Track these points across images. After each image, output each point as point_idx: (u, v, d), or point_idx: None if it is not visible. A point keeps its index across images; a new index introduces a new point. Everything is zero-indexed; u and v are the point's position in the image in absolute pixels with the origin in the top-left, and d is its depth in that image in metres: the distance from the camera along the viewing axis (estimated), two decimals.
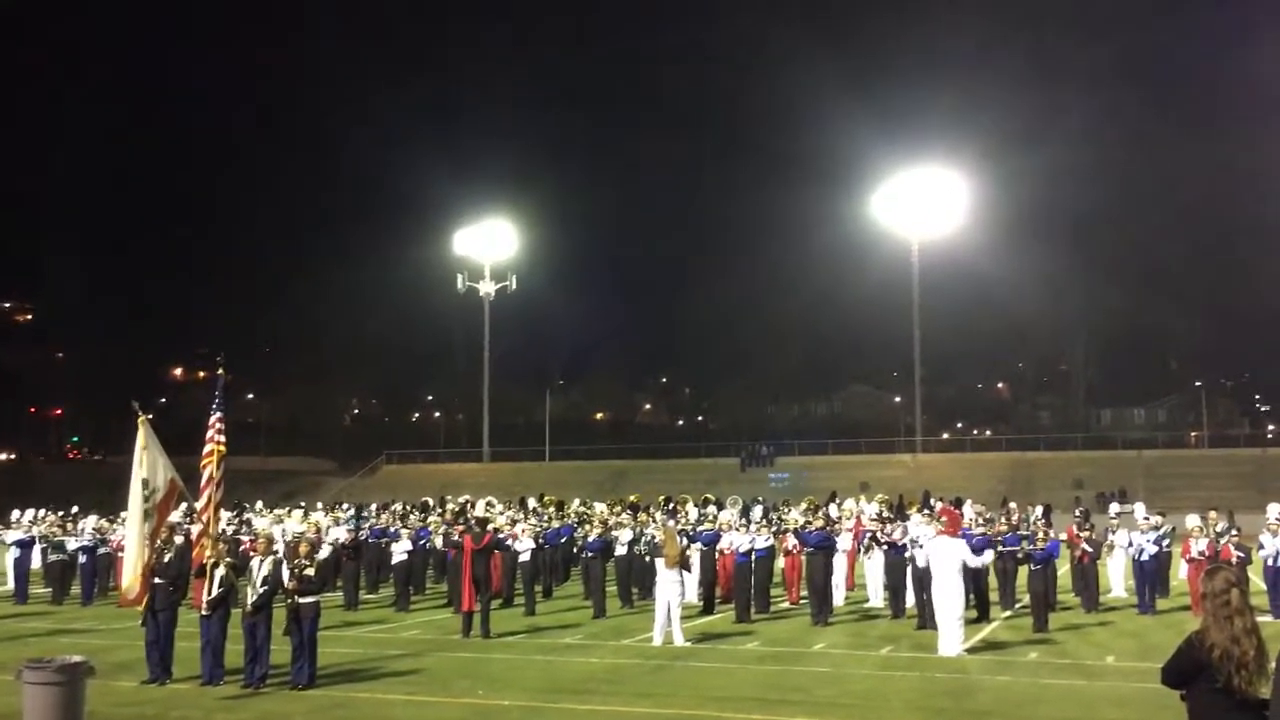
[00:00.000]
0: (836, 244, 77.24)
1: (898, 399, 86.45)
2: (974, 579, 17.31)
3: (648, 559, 20.54)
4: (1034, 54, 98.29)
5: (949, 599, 14.96)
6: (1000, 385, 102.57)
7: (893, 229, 60.42)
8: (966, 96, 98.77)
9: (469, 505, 26.85)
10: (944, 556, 15.07)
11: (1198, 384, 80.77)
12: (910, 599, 18.60)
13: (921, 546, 16.67)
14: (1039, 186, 76.15)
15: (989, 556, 16.75)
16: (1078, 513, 23.10)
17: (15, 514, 26.84)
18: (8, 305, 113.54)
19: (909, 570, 18.33)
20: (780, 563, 21.75)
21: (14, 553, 24.08)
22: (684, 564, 16.88)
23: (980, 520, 21.34)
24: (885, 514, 22.49)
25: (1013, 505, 26.03)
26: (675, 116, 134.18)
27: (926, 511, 19.19)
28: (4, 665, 13.65)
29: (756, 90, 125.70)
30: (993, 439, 75.26)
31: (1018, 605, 19.85)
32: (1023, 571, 19.36)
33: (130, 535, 13.60)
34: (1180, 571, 21.58)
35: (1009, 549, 19.96)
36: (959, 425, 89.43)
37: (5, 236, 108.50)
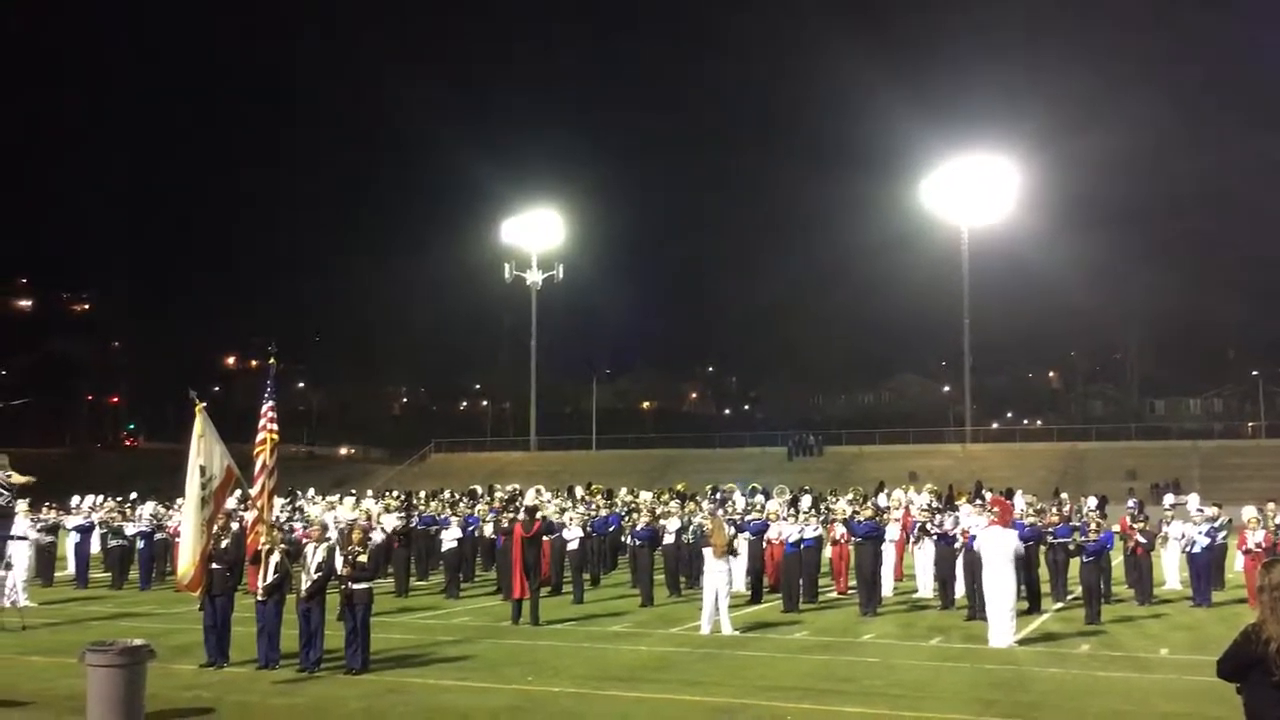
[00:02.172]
0: (885, 232, 76.87)
1: (947, 388, 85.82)
2: (1025, 570, 17.17)
3: (691, 543, 20.58)
4: (1087, 39, 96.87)
5: (1000, 590, 14.84)
6: (1051, 374, 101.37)
7: (942, 217, 59.85)
8: (1018, 82, 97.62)
9: (518, 493, 27.06)
10: (995, 547, 14.95)
11: (1254, 373, 79.30)
12: (960, 590, 18.49)
13: (974, 537, 16.55)
14: (1092, 173, 75.35)
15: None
16: (1131, 504, 22.81)
17: (75, 500, 27.42)
18: (65, 296, 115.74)
19: (959, 561, 18.22)
20: (828, 552, 21.71)
21: (74, 538, 24.60)
22: (731, 552, 16.89)
23: (1031, 511, 21.16)
24: (935, 504, 22.36)
25: (1064, 496, 25.75)
26: (723, 105, 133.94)
27: (978, 502, 19.05)
28: (67, 648, 13.99)
29: (805, 78, 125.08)
30: (1044, 429, 74.38)
31: (1070, 597, 19.66)
32: (1075, 563, 19.17)
33: (187, 521, 13.84)
34: (1236, 564, 21.25)
35: (1060, 540, 19.78)
36: (1009, 415, 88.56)
37: (63, 230, 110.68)
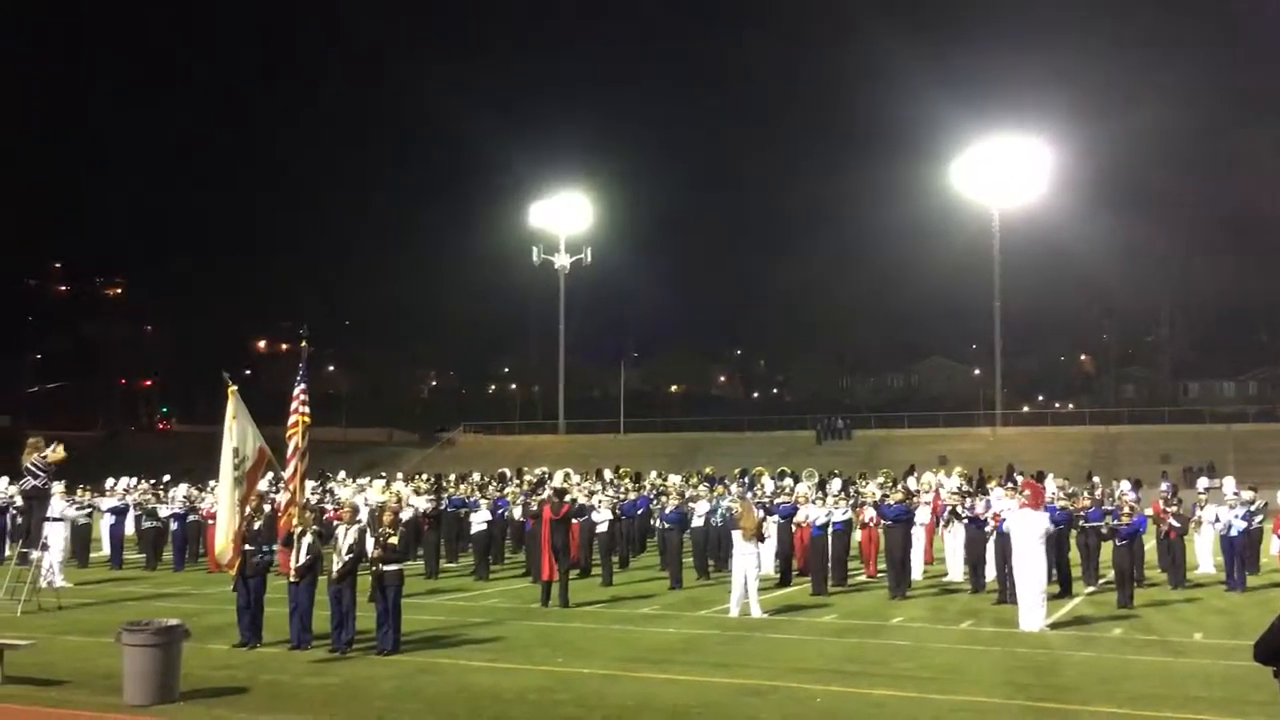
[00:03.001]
0: (915, 214, 76.24)
1: (977, 371, 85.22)
2: (1056, 553, 17.06)
3: (720, 526, 20.58)
4: (1123, 17, 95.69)
5: (1031, 573, 14.76)
6: (1084, 358, 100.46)
7: (973, 198, 59.31)
8: (1051, 62, 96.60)
9: (547, 476, 27.14)
10: (1026, 530, 14.86)
11: None
12: (990, 573, 18.41)
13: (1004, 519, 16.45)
14: (1126, 154, 74.46)
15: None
16: (1164, 487, 22.61)
17: (110, 482, 27.74)
18: (98, 281, 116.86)
19: (990, 544, 18.13)
20: (857, 536, 21.65)
21: (109, 520, 24.89)
22: (760, 536, 16.88)
23: (1063, 494, 21.02)
24: (965, 488, 22.25)
25: (1096, 480, 25.56)
26: (753, 86, 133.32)
27: (1009, 485, 18.93)
28: (103, 628, 14.16)
29: (836, 59, 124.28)
30: (1075, 412, 73.76)
31: (1101, 581, 19.54)
32: (1106, 547, 19.03)
33: (221, 502, 13.98)
34: (1272, 548, 21.02)
35: (1092, 524, 19.65)
36: (1040, 398, 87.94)
37: (97, 214, 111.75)
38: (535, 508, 19.36)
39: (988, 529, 18.07)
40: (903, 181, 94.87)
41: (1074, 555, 19.74)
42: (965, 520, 19.18)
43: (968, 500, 19.93)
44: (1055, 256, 71.71)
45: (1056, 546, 17.03)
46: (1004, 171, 56.70)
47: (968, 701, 10.65)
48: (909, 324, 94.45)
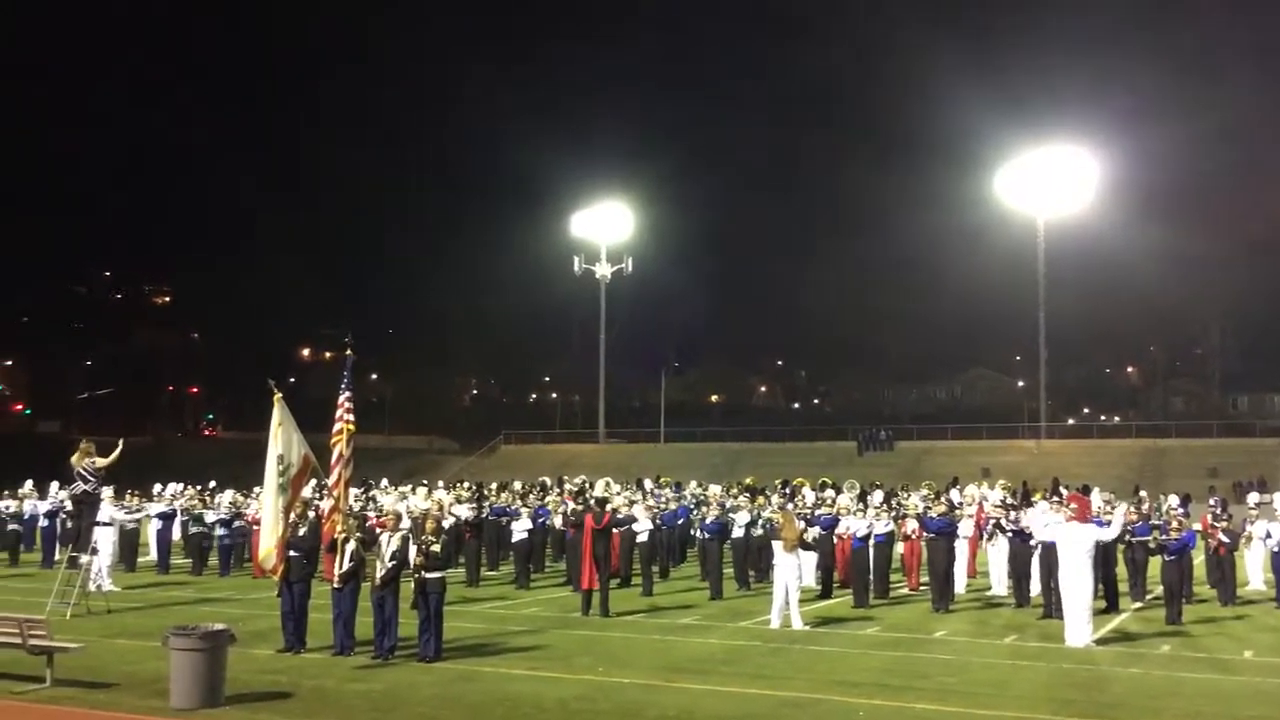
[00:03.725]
0: (958, 224, 75.68)
1: (1021, 383, 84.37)
2: (1103, 568, 16.83)
3: (760, 537, 20.50)
4: (1168, 24, 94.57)
5: (1078, 588, 14.58)
6: (1130, 370, 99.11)
7: (1017, 208, 58.77)
8: (1097, 70, 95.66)
9: (587, 485, 27.16)
10: (1073, 544, 14.68)
11: None
12: (1035, 587, 18.19)
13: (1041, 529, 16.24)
14: (1174, 161, 73.43)
15: (1118, 528, 16.19)
16: (1213, 502, 22.24)
17: (157, 488, 28.09)
18: (147, 289, 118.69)
19: (1034, 558, 17.93)
20: (899, 548, 21.49)
21: (156, 525, 25.21)
22: (805, 545, 16.80)
23: (1109, 508, 20.72)
24: (1009, 501, 22.01)
25: (1144, 494, 25.19)
26: (793, 97, 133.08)
27: (1055, 499, 18.71)
28: (150, 631, 14.36)
29: (879, 68, 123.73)
30: (1122, 425, 72.75)
31: (1149, 597, 19.26)
32: (1154, 562, 18.76)
33: (266, 508, 14.12)
34: None
35: (1140, 539, 19.37)
36: (1086, 411, 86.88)
37: (143, 223, 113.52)
38: (576, 517, 19.38)
39: (1032, 543, 17.87)
40: (946, 190, 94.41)
41: (1120, 571, 19.46)
42: (1009, 533, 18.97)
43: (1012, 513, 19.72)
44: (1101, 266, 70.86)
45: (1104, 561, 16.79)
46: (1049, 180, 56.15)
47: (1013, 717, 10.53)
48: (952, 335, 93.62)
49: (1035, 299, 58.76)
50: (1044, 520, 16.25)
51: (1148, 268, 71.46)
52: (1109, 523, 17.85)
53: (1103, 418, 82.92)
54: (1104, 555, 16.99)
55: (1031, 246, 58.95)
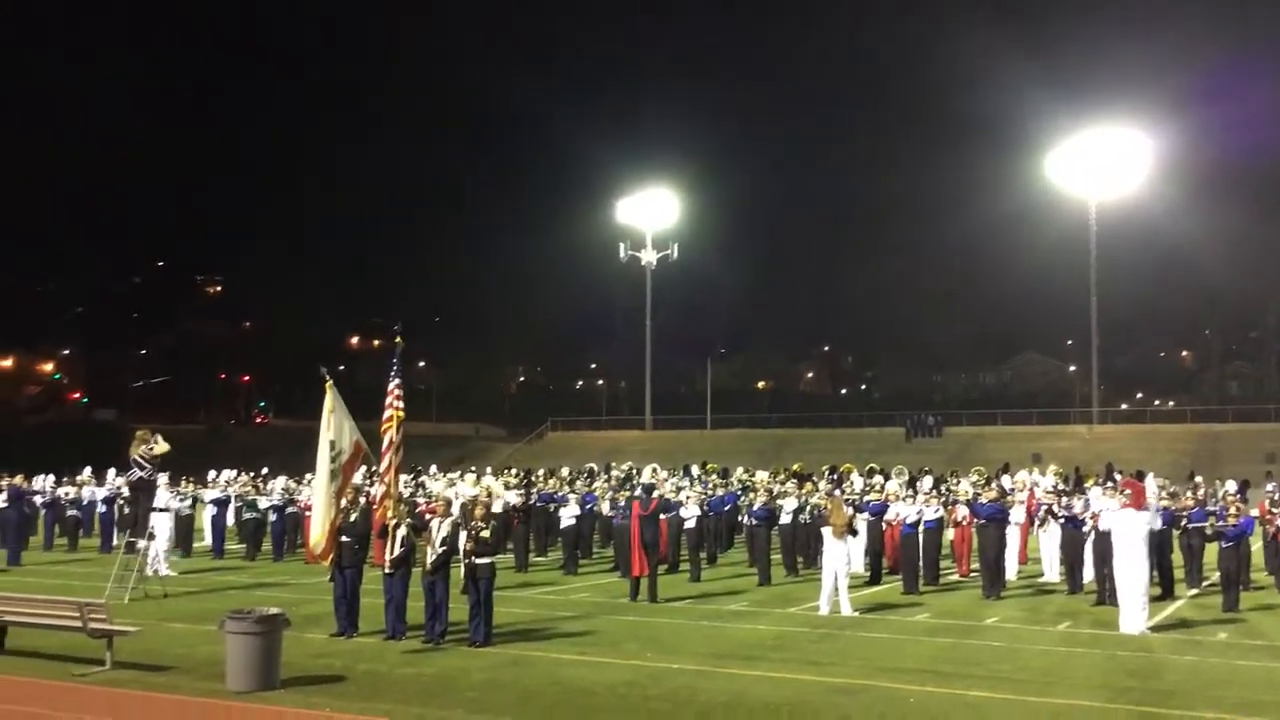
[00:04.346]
0: (1009, 207, 74.66)
1: (1073, 368, 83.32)
2: (1158, 554, 16.59)
3: (808, 523, 20.43)
4: (1222, 1, 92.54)
5: (1133, 575, 14.38)
6: (1184, 354, 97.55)
7: (1069, 190, 57.94)
8: (1150, 49, 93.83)
9: (634, 471, 27.22)
10: (1128, 530, 14.48)
11: None
12: (1089, 574, 17.98)
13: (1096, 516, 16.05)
14: (1228, 142, 71.90)
15: (1156, 519, 15.97)
16: (1270, 487, 21.85)
17: (211, 475, 28.53)
18: (199, 278, 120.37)
19: (1088, 544, 17.71)
20: (949, 534, 21.32)
21: (211, 511, 25.60)
22: (852, 531, 16.72)
23: (1164, 494, 20.43)
24: (1061, 486, 21.76)
25: (1199, 479, 24.78)
26: (839, 81, 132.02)
27: (1109, 485, 18.46)
28: (206, 616, 14.61)
29: (927, 50, 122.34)
30: (1176, 410, 71.66)
31: (1205, 584, 18.96)
32: (1210, 549, 18.45)
33: (318, 494, 14.27)
34: None
35: (1195, 525, 19.06)
36: (1139, 395, 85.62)
37: (197, 214, 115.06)
38: (624, 503, 19.42)
39: (1085, 529, 17.66)
40: (996, 173, 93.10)
41: (1176, 557, 19.18)
42: (1062, 520, 18.75)
43: (1064, 499, 19.49)
44: (1155, 249, 69.74)
45: (1159, 548, 16.55)
46: (1101, 162, 55.31)
47: (1067, 705, 10.41)
48: (1001, 319, 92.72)
49: (1087, 282, 57.98)
50: (1098, 506, 16.05)
51: (1202, 249, 70.29)
52: (1166, 510, 17.66)
53: (1156, 402, 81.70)
54: (1160, 542, 16.75)
55: (1083, 229, 58.16)
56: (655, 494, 18.31)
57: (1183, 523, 19.22)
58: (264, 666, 10.74)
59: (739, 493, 25.63)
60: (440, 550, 13.37)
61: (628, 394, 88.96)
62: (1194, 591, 18.58)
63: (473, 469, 32.99)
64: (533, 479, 27.78)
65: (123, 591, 16.93)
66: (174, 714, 9.96)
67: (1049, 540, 20.16)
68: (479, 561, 13.31)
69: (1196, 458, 47.62)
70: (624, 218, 68.53)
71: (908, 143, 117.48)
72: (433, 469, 32.08)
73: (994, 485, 21.59)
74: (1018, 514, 20.55)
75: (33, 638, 12.73)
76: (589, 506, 23.65)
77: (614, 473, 28.65)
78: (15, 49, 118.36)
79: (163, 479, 21.34)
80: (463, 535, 13.60)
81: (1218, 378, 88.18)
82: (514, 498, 23.05)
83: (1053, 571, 20.02)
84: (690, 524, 21.19)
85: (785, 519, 21.39)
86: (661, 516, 18.75)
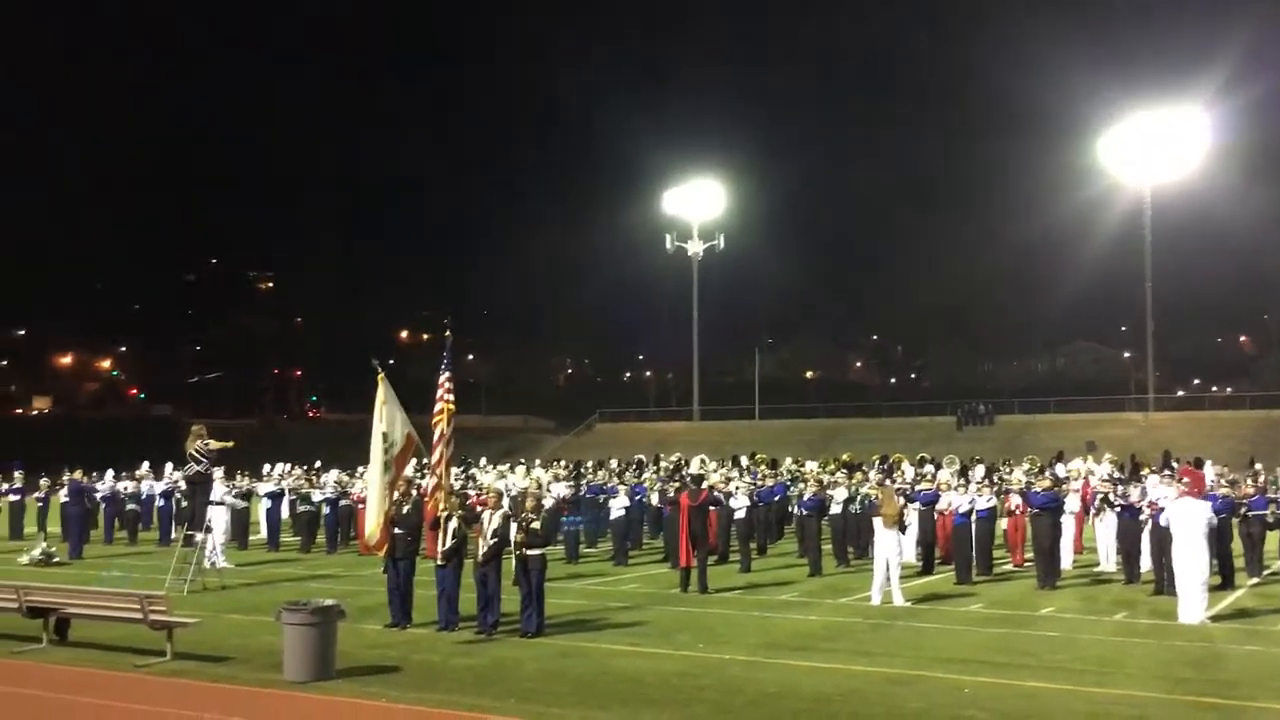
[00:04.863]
0: (1060, 192, 73.62)
1: (1127, 354, 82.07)
2: (1218, 543, 16.30)
3: (859, 513, 20.31)
4: None
5: (1192, 564, 14.15)
6: (1243, 339, 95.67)
7: (1123, 174, 56.98)
8: (1207, 25, 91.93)
9: (683, 462, 27.21)
10: (1187, 519, 14.25)
11: None
12: (1146, 563, 17.72)
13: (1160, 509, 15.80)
14: None
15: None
16: None
17: (266, 468, 28.92)
18: (252, 275, 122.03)
19: (1145, 534, 17.45)
20: (1002, 524, 21.10)
21: (266, 504, 25.96)
22: (901, 523, 16.60)
23: (1223, 482, 20.06)
24: (1117, 475, 21.45)
25: (1259, 467, 24.31)
26: (885, 70, 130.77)
27: (1167, 472, 18.16)
28: (263, 607, 14.81)
29: (975, 35, 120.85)
30: (1234, 396, 70.29)
31: (1266, 572, 18.63)
32: (1271, 537, 18.12)
33: (371, 486, 14.41)
34: None
35: (1256, 513, 18.72)
36: (1196, 382, 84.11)
37: (248, 212, 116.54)
38: (673, 494, 19.42)
39: (1142, 518, 17.40)
40: (1047, 158, 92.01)
41: (1235, 546, 18.84)
42: (1118, 509, 18.49)
43: (1120, 488, 19.21)
44: (1211, 231, 68.54)
45: (1219, 537, 16.26)
46: (1156, 145, 54.32)
47: (1125, 695, 10.26)
48: (1053, 306, 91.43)
49: (1141, 267, 57.04)
50: (1156, 495, 15.81)
51: (1260, 232, 68.90)
52: (1220, 498, 17.32)
53: (1214, 389, 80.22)
54: (1219, 531, 16.46)
55: (1137, 213, 57.22)
56: (704, 485, 18.29)
57: (1242, 511, 18.89)
58: (320, 657, 10.88)
59: (788, 483, 25.55)
60: (492, 542, 13.45)
61: (675, 385, 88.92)
62: (1254, 580, 18.26)
63: (522, 461, 33.16)
64: (582, 470, 27.87)
65: (182, 584, 17.22)
66: (234, 704, 10.12)
67: (1105, 529, 19.88)
68: (530, 553, 13.38)
69: (1256, 445, 46.64)
70: (670, 209, 68.44)
71: (957, 130, 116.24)
72: (483, 461, 32.28)
73: (1048, 474, 21.32)
74: (1072, 503, 20.30)
75: (95, 629, 12.98)
76: (638, 498, 23.70)
77: (663, 464, 28.66)
78: (70, 46, 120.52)
79: (218, 473, 21.68)
80: (514, 527, 13.68)
81: (1277, 362, 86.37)
82: (563, 489, 23.13)
83: (1109, 561, 19.75)
84: (740, 515, 21.17)
85: (836, 509, 21.29)
86: (711, 507, 18.73)
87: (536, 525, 13.59)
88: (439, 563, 13.71)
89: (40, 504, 28.02)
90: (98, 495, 27.41)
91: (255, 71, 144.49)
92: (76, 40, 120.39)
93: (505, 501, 15.36)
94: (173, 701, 10.19)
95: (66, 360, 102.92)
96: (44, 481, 28.77)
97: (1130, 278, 60.69)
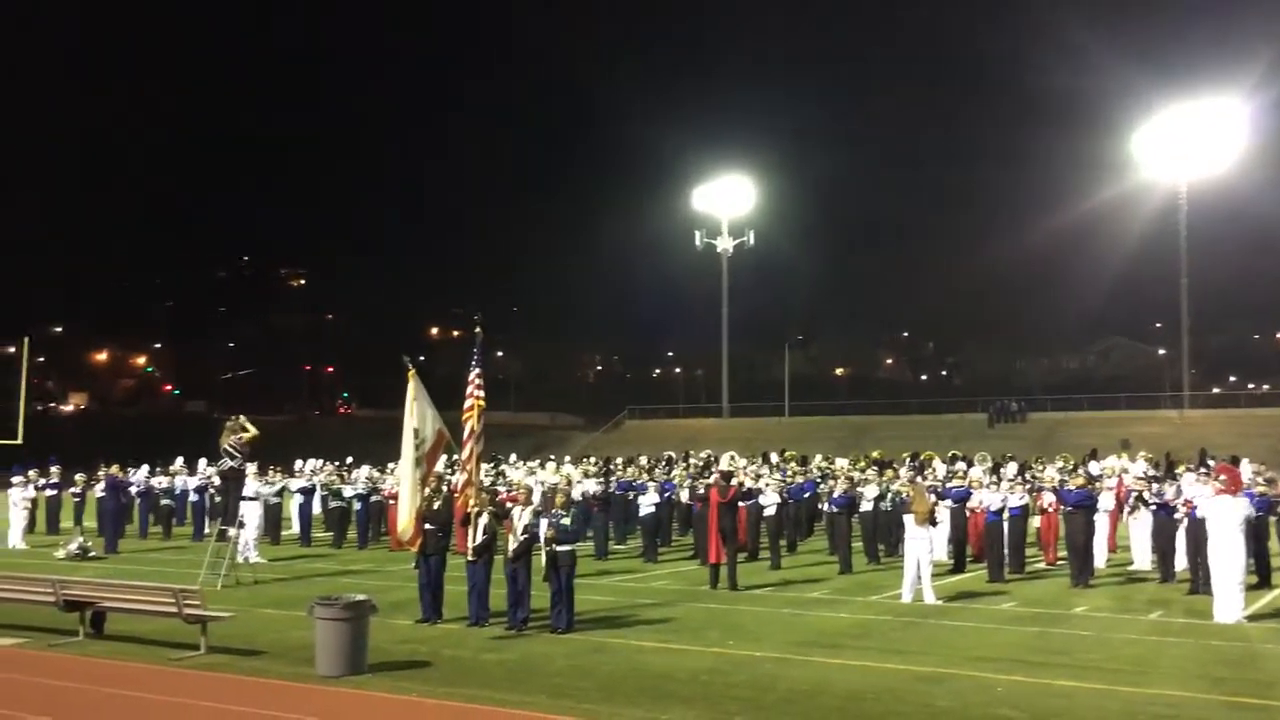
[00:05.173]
0: (1093, 187, 72.85)
1: (1162, 351, 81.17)
2: (1255, 542, 16.10)
3: (890, 510, 20.22)
4: None
5: (1228, 562, 13.98)
6: (1279, 335, 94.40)
7: (1157, 169, 56.37)
8: (1243, 17, 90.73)
9: (712, 459, 27.19)
10: (1223, 517, 14.08)
11: None
12: (1181, 562, 17.53)
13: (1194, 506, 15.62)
14: None
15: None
16: None
17: (298, 464, 29.13)
18: (283, 272, 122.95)
19: (1180, 532, 17.27)
20: (1035, 522, 20.94)
21: (298, 499, 26.16)
22: (932, 521, 16.50)
23: (1260, 480, 19.80)
24: (1151, 473, 21.24)
25: None
26: (917, 64, 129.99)
27: (1203, 470, 17.96)
28: (295, 601, 14.91)
29: (1004, 31, 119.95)
30: (1271, 393, 69.30)
31: None
32: None
33: (403, 481, 14.47)
34: None
35: None
36: (1232, 379, 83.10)
37: (280, 211, 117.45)
38: (703, 491, 19.40)
39: (1178, 516, 17.21)
40: (1081, 153, 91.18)
41: (1272, 544, 18.60)
42: (1153, 507, 18.30)
43: (1155, 486, 19.02)
44: (1248, 228, 67.61)
45: (1255, 535, 16.06)
46: (1191, 139, 53.70)
47: (1161, 695, 10.15)
48: (1086, 302, 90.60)
49: (1176, 263, 56.41)
50: (1191, 493, 15.63)
51: None
52: (1257, 496, 17.10)
53: (1250, 386, 79.22)
54: (1257, 529, 16.27)
55: (1172, 208, 56.61)
56: (734, 481, 18.26)
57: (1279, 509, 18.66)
58: (352, 651, 10.94)
59: (818, 480, 25.48)
60: (522, 538, 13.49)
61: (704, 382, 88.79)
62: None
63: (551, 457, 33.23)
64: (612, 467, 27.89)
65: (215, 578, 17.36)
66: (267, 697, 10.19)
67: (1139, 528, 19.70)
68: (560, 549, 13.40)
69: None
70: (700, 205, 68.34)
71: (987, 125, 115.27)
72: (512, 457, 32.37)
73: (1081, 471, 21.14)
74: (1106, 501, 20.12)
75: (130, 623, 13.12)
76: (668, 494, 23.69)
77: (692, 460, 28.65)
78: (104, 50, 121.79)
79: (251, 468, 21.84)
80: (544, 523, 13.70)
81: None
82: (593, 486, 23.16)
83: (1143, 559, 19.57)
84: (770, 511, 21.12)
85: (866, 506, 21.21)
86: (741, 504, 18.70)
87: (566, 521, 13.61)
88: (470, 558, 13.75)
89: (76, 499, 28.36)
90: (133, 490, 27.70)
91: (290, 70, 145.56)
92: (114, 42, 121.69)
93: (535, 498, 15.41)
94: (207, 695, 10.27)
95: (102, 357, 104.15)
96: (80, 476, 29.12)
97: (1165, 273, 60.07)
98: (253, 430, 18.44)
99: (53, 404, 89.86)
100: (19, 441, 32.95)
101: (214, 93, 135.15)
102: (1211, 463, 20.49)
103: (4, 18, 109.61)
